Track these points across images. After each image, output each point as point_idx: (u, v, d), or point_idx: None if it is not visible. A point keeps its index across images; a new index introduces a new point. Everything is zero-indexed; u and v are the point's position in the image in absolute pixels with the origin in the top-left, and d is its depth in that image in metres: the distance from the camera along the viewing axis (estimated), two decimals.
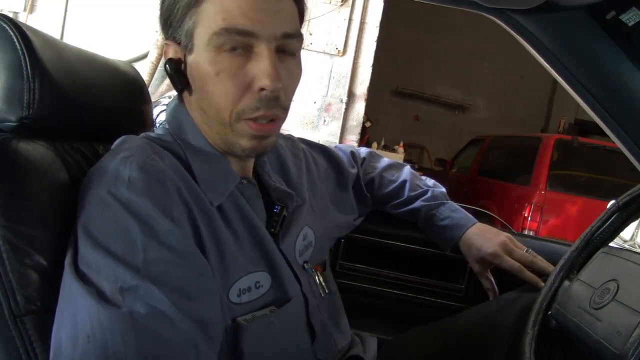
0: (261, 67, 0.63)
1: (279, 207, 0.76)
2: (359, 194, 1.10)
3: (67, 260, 0.57)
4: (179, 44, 0.67)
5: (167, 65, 0.68)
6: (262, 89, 0.64)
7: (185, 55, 0.67)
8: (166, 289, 0.54)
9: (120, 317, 0.52)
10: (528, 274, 0.98)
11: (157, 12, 0.69)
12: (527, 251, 1.02)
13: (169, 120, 0.72)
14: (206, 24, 0.63)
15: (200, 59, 0.65)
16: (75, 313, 0.54)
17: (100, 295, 0.53)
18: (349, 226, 1.09)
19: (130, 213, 0.56)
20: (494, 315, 0.95)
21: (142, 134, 0.72)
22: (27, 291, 0.56)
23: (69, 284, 0.55)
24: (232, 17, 0.62)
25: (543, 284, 0.93)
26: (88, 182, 0.61)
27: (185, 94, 0.71)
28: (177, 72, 0.68)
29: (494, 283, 1.06)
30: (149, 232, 0.56)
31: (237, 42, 0.63)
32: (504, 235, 1.05)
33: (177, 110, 0.72)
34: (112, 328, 0.51)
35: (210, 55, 0.64)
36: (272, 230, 0.74)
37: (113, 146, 0.68)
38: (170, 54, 0.69)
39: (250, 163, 0.77)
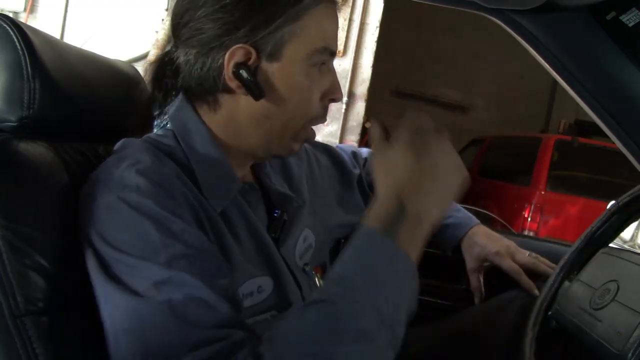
0: (334, 81, 0.71)
1: (280, 212, 0.76)
2: (362, 194, 1.10)
3: (92, 267, 0.57)
4: (256, 49, 0.65)
5: (241, 72, 0.65)
6: (332, 100, 0.72)
7: (260, 61, 0.66)
8: (197, 276, 0.54)
9: (157, 307, 0.52)
10: (525, 279, 0.98)
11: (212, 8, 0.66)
12: (529, 255, 1.02)
13: (172, 119, 0.71)
14: (306, 39, 0.66)
15: (292, 71, 0.67)
16: (112, 313, 0.55)
17: (136, 293, 0.54)
18: (352, 226, 1.09)
19: (143, 215, 0.56)
20: (494, 314, 0.95)
21: (144, 137, 0.71)
22: (27, 291, 0.56)
23: (102, 288, 0.56)
24: (329, 38, 0.69)
25: (537, 291, 0.93)
26: (93, 189, 0.60)
27: (227, 97, 0.68)
28: (255, 78, 0.66)
29: (482, 283, 1.06)
30: (166, 231, 0.56)
31: (325, 60, 0.69)
32: (508, 240, 1.05)
33: (183, 111, 0.71)
34: (152, 318, 0.52)
35: (305, 68, 0.67)
36: (273, 234, 0.74)
37: (114, 150, 0.68)
38: (239, 58, 0.65)
39: (249, 166, 0.77)
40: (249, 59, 0.65)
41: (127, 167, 0.60)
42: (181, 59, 0.69)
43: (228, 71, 0.65)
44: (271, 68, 0.66)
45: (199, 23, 0.66)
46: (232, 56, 0.65)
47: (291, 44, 0.66)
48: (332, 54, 0.70)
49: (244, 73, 0.65)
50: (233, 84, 0.66)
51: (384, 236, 0.55)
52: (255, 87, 0.66)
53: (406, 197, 0.57)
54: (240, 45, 0.65)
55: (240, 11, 0.64)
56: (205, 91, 0.69)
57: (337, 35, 0.72)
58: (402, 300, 0.53)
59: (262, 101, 0.67)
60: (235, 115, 0.69)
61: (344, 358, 0.49)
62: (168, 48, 0.73)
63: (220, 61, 0.66)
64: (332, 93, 0.71)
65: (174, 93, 0.73)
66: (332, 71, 0.71)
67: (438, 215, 0.60)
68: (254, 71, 0.66)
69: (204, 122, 0.70)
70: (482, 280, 1.06)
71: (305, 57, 0.67)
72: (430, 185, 0.59)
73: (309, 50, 0.67)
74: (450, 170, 0.62)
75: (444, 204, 0.61)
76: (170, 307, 0.52)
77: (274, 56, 0.66)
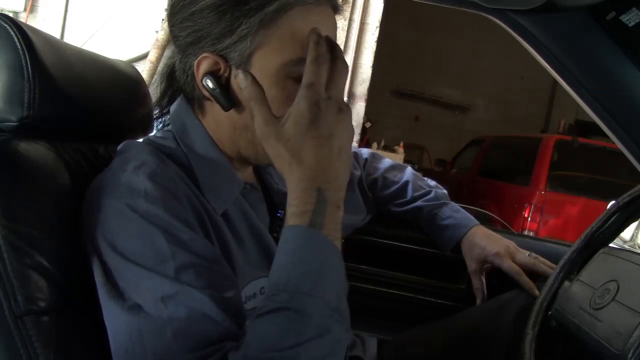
0: None
1: (283, 212, 0.76)
2: (362, 195, 1.10)
3: (99, 279, 0.57)
4: (222, 57, 0.63)
5: (208, 81, 0.64)
6: None
7: (230, 70, 0.64)
8: (204, 290, 0.54)
9: (159, 326, 0.52)
10: (525, 279, 0.98)
11: (171, 16, 0.65)
12: (529, 255, 1.02)
13: (173, 121, 0.71)
14: (279, 48, 0.62)
15: (264, 81, 0.61)
16: (114, 331, 0.55)
17: (139, 308, 0.53)
18: (352, 226, 1.09)
19: (152, 224, 0.56)
20: (494, 314, 0.95)
21: (144, 139, 0.71)
22: (27, 291, 0.56)
23: (106, 304, 0.56)
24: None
25: (537, 292, 0.93)
26: (100, 194, 0.60)
27: (213, 107, 0.67)
28: (223, 88, 0.64)
29: (485, 284, 1.06)
30: (174, 240, 0.56)
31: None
32: (508, 240, 1.05)
33: (183, 112, 0.70)
34: (153, 339, 0.52)
35: (280, 80, 0.63)
36: (275, 234, 0.74)
37: (117, 153, 0.68)
38: (207, 67, 0.64)
39: (251, 167, 0.77)
40: (220, 68, 0.64)
41: (134, 170, 0.60)
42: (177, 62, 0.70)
43: (198, 80, 0.65)
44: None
45: (176, 29, 0.66)
46: (200, 65, 0.64)
47: (260, 52, 0.62)
48: None
49: (209, 83, 0.64)
50: (206, 92, 0.65)
51: (314, 231, 0.55)
52: (222, 98, 0.64)
53: (324, 187, 0.56)
54: (206, 54, 0.63)
55: (205, 19, 0.62)
56: (192, 96, 0.69)
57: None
58: (340, 285, 0.55)
59: (244, 112, 0.65)
60: (219, 122, 0.68)
61: (306, 355, 0.49)
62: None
63: (192, 69, 0.65)
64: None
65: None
66: None
67: (344, 191, 0.59)
68: (226, 81, 0.64)
69: (202, 124, 0.70)
70: (484, 281, 1.06)
71: (277, 68, 0.62)
72: (339, 168, 0.57)
73: (281, 61, 0.62)
74: (349, 143, 0.59)
75: (347, 179, 0.60)
76: (172, 326, 0.52)
77: (243, 66, 0.63)
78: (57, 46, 0.68)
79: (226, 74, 0.64)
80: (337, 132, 0.57)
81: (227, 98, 0.64)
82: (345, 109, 0.58)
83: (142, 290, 0.54)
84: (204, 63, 0.64)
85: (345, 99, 4.10)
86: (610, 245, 0.87)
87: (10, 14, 3.63)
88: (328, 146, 0.56)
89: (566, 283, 0.84)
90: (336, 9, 0.67)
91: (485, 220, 3.08)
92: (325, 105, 0.57)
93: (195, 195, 0.64)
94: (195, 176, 0.67)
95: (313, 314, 0.51)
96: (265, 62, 0.62)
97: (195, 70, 0.65)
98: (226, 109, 0.65)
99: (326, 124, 0.56)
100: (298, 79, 0.62)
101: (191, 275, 0.54)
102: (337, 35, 0.70)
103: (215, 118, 0.69)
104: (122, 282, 0.55)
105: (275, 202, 0.78)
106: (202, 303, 0.53)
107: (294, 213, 0.56)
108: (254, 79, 0.60)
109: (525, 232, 3.73)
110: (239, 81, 0.61)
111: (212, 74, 0.64)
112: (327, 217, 0.55)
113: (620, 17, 0.82)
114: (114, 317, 0.55)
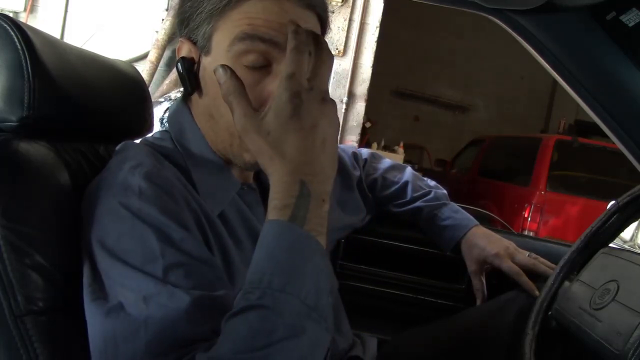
0: (272, 86, 0.61)
1: None
2: (362, 195, 1.10)
3: (86, 280, 0.57)
4: (194, 43, 0.66)
5: (179, 64, 0.66)
6: None
7: (200, 56, 0.66)
8: (190, 290, 0.53)
9: (133, 327, 0.51)
10: (525, 280, 0.97)
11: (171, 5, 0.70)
12: (529, 255, 1.02)
13: (170, 122, 0.71)
14: (228, 27, 0.63)
15: (217, 65, 0.62)
16: (92, 334, 0.55)
17: (121, 308, 0.53)
18: (352, 227, 1.09)
19: (144, 222, 0.56)
20: (493, 314, 0.95)
21: (142, 139, 0.71)
22: (27, 291, 0.56)
23: (88, 307, 0.56)
24: (258, 25, 0.62)
25: (537, 292, 0.93)
26: (96, 193, 0.60)
27: (194, 96, 0.69)
28: (190, 73, 0.66)
29: (485, 285, 1.06)
30: (165, 238, 0.55)
31: (259, 52, 0.62)
32: (507, 241, 1.05)
33: (180, 113, 0.71)
34: (125, 341, 0.51)
35: (228, 63, 0.60)
36: None
37: (115, 153, 0.68)
38: (184, 52, 0.67)
39: None
40: (193, 56, 0.66)
41: (130, 169, 0.60)
42: None
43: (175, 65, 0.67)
44: (206, 62, 0.66)
45: (177, 27, 0.70)
46: (179, 51, 0.67)
47: (217, 34, 0.64)
48: (270, 42, 0.62)
49: (179, 66, 0.66)
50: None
51: (294, 226, 0.51)
52: (187, 81, 0.66)
53: (307, 180, 0.53)
54: (182, 39, 0.67)
55: (182, 3, 0.66)
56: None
57: (281, 23, 0.61)
58: (321, 282, 0.51)
59: (204, 98, 0.67)
60: (200, 112, 0.70)
61: (279, 356, 0.47)
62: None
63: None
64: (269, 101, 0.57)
65: None
66: (280, 74, 0.57)
67: (331, 185, 0.56)
68: (197, 66, 0.66)
69: (197, 124, 0.70)
70: (484, 281, 1.06)
71: (227, 47, 0.63)
72: (323, 160, 0.54)
73: (229, 39, 0.62)
74: (334, 135, 0.56)
75: (333, 172, 0.57)
76: (147, 328, 0.51)
77: (205, 49, 0.65)
78: (57, 46, 0.68)
79: (197, 60, 0.66)
80: (320, 123, 0.54)
81: (191, 82, 0.66)
82: (329, 100, 0.55)
83: (127, 290, 0.54)
84: (182, 49, 0.67)
85: (345, 98, 4.12)
86: (610, 245, 0.87)
87: (10, 14, 3.63)
88: (311, 138, 0.53)
89: (566, 283, 0.84)
90: (304, 3, 0.65)
91: (485, 220, 3.08)
92: (308, 97, 0.53)
93: (192, 196, 0.64)
94: (191, 177, 0.67)
95: (285, 312, 0.48)
96: (220, 45, 0.64)
97: (177, 57, 0.68)
98: (189, 93, 0.67)
99: (309, 116, 0.53)
100: (252, 68, 0.62)
101: (179, 275, 0.54)
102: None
103: (197, 108, 0.70)
104: (108, 281, 0.55)
105: None
106: (183, 303, 0.52)
107: (275, 207, 0.52)
108: (232, 72, 0.57)
109: (525, 232, 3.73)
110: (217, 76, 0.57)
111: (186, 59, 0.66)
112: (311, 212, 0.52)
113: (620, 17, 0.82)
114: (92, 320, 0.55)
